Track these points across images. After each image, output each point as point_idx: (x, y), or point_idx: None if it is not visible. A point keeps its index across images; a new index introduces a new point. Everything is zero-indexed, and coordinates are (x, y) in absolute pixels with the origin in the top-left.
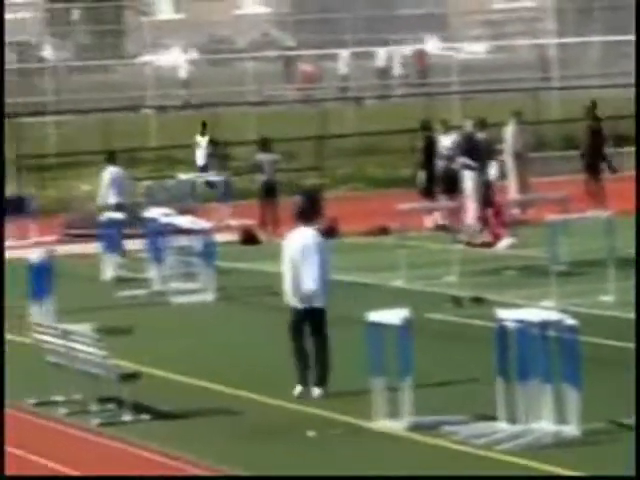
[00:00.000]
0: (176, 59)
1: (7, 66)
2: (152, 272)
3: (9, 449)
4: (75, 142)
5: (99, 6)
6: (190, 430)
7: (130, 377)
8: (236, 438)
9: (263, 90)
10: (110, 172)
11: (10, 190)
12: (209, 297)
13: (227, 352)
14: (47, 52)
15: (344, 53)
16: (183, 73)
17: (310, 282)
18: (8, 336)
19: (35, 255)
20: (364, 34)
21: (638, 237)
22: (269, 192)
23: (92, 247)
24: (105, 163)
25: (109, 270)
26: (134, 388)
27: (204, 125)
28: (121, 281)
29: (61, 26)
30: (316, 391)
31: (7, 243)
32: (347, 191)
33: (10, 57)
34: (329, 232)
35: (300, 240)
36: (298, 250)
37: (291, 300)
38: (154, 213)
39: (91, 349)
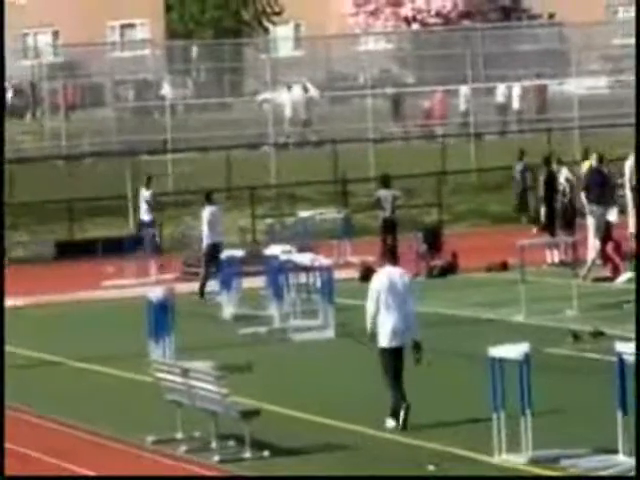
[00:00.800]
0: (295, 96)
1: (126, 104)
2: (272, 309)
3: None
4: (194, 180)
5: (218, 43)
6: (309, 466)
7: (250, 414)
8: (355, 473)
9: (383, 126)
10: (208, 211)
11: (129, 229)
12: (329, 334)
13: (346, 388)
14: (166, 90)
15: (464, 89)
16: (302, 110)
17: (401, 320)
18: (129, 374)
19: (155, 293)
20: (484, 70)
21: (638, 238)
22: (389, 228)
23: (212, 285)
24: (205, 202)
25: (229, 308)
26: (254, 425)
27: (149, 179)
28: (241, 318)
29: (180, 64)
30: (391, 423)
31: (127, 282)
32: (467, 227)
33: (129, 95)
34: (449, 268)
35: (389, 279)
36: (387, 289)
37: (382, 339)
38: (274, 250)
39: (211, 387)
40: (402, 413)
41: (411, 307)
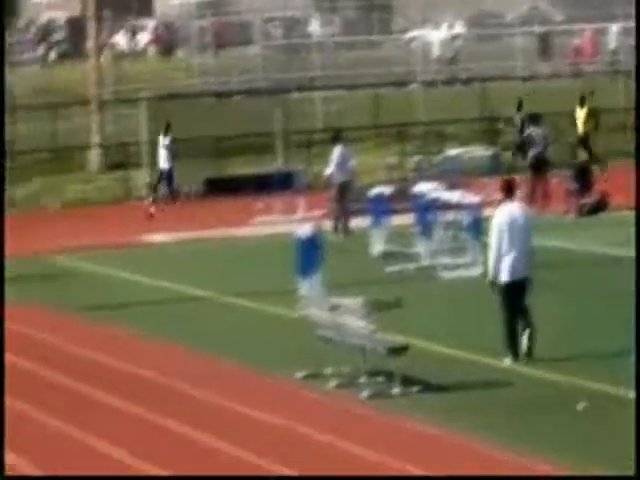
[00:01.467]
0: (444, 34)
1: (274, 42)
2: (420, 247)
3: (280, 421)
4: (342, 118)
5: None
6: (458, 402)
7: (399, 350)
8: (505, 410)
9: (530, 64)
10: (338, 151)
11: (278, 165)
12: (477, 271)
13: (494, 326)
14: (314, 27)
15: (614, 27)
16: (451, 48)
17: (521, 255)
18: (279, 310)
19: (303, 230)
20: (632, 9)
21: (638, 235)
22: (540, 167)
23: (361, 222)
24: (333, 142)
25: (377, 245)
26: (402, 361)
27: (168, 125)
28: (389, 255)
29: (328, 2)
30: (507, 361)
31: (276, 218)
32: (617, 165)
33: (277, 33)
34: (599, 206)
35: (508, 214)
36: (507, 224)
37: (503, 275)
38: (423, 188)
39: (360, 322)
40: (526, 340)
41: (530, 243)
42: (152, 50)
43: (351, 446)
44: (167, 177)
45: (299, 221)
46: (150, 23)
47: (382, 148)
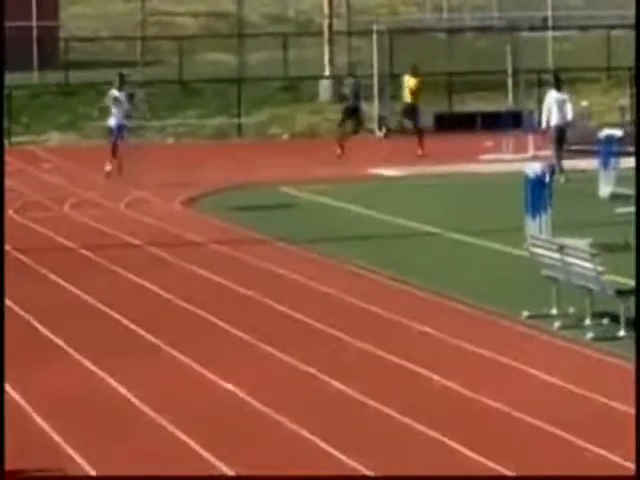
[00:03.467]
0: None
1: None
2: None
3: (517, 365)
4: (574, 58)
5: None
6: None
7: (626, 293)
8: None
9: None
10: (552, 96)
11: (507, 104)
12: None
13: None
14: None
15: None
16: None
17: None
18: (504, 248)
19: (533, 169)
20: None
21: (638, 235)
22: None
23: (591, 163)
24: (550, 87)
25: (606, 187)
26: (629, 304)
27: (121, 76)
28: (618, 198)
29: None
30: None
31: (505, 156)
32: None
33: None
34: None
35: None
36: None
37: None
38: None
39: (587, 264)
40: None
41: None
42: None
43: (575, 388)
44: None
45: (528, 160)
46: None
47: (613, 90)
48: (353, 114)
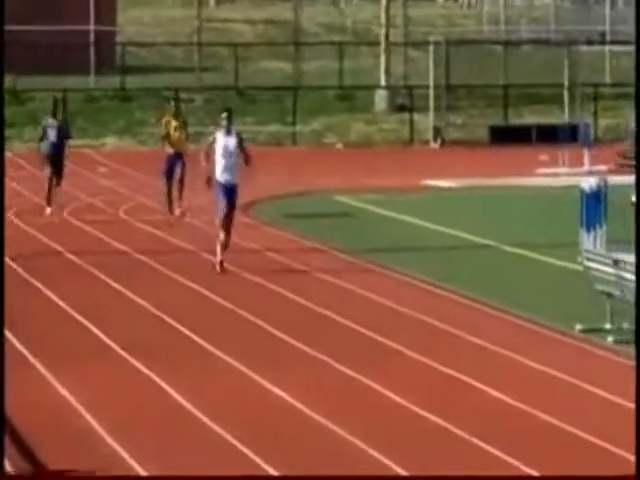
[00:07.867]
0: None
1: None
2: None
3: (556, 373)
4: (632, 73)
5: None
6: None
7: None
8: None
9: None
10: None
11: (564, 117)
12: None
13: None
14: None
15: None
16: None
17: None
18: (559, 262)
19: (589, 183)
20: None
21: (637, 229)
22: None
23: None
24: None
25: None
26: None
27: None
28: None
29: None
30: None
31: (561, 170)
32: None
33: None
34: None
35: None
36: None
37: None
38: None
39: None
40: None
41: None
42: None
43: (628, 403)
44: None
45: (584, 174)
46: None
47: None
48: None
